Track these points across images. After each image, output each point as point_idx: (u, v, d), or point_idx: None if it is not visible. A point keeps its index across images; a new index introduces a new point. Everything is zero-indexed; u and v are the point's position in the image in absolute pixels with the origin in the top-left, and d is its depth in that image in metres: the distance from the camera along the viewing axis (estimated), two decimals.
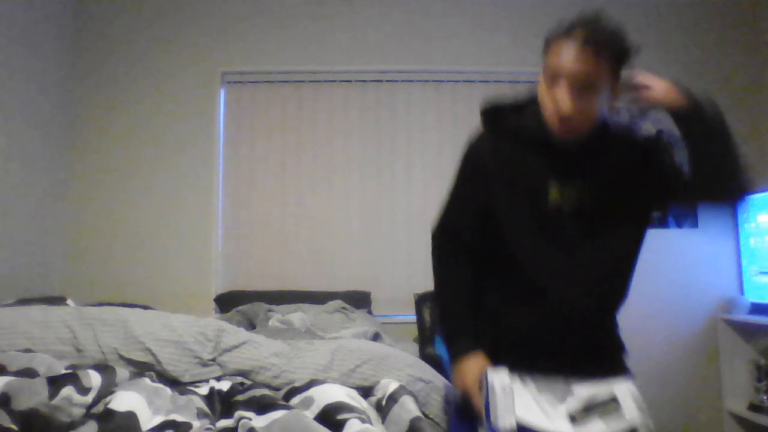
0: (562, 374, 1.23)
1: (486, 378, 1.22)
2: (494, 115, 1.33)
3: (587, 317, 1.25)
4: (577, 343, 1.24)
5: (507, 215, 1.26)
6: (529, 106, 1.27)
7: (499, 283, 1.31)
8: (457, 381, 1.29)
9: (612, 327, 1.35)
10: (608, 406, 1.20)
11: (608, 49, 1.13)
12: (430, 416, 1.44)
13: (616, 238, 1.24)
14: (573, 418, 1.20)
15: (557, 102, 1.13)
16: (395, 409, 1.31)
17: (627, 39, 1.17)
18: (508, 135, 1.28)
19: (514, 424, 1.15)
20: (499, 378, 1.21)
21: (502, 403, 1.18)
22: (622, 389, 1.23)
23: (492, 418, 1.17)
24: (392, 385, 1.41)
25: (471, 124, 1.34)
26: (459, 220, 1.36)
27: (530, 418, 1.19)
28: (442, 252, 1.39)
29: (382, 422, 1.30)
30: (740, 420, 3.22)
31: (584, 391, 1.22)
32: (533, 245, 1.24)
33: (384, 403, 1.35)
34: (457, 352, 1.31)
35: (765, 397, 3.05)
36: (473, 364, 1.27)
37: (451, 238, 1.37)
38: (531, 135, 1.25)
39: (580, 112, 1.14)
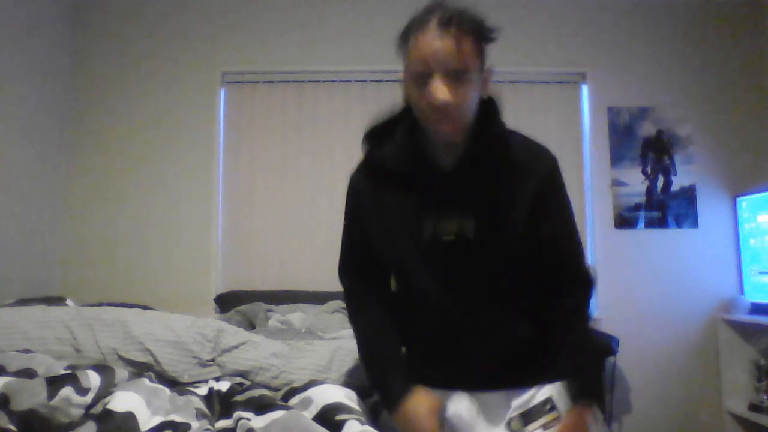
0: (495, 389, 1.21)
1: (446, 412, 1.18)
2: (371, 141, 1.24)
3: (487, 341, 1.19)
4: (492, 362, 1.20)
5: (388, 251, 1.21)
6: (402, 120, 1.18)
7: (409, 310, 1.26)
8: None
9: (528, 338, 1.22)
10: (545, 410, 1.17)
11: (469, 26, 1.04)
12: None
13: (496, 263, 1.16)
14: (510, 427, 1.18)
15: (433, 95, 1.02)
16: None
17: (483, 16, 1.07)
18: (378, 167, 1.19)
19: None
20: (462, 405, 1.19)
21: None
22: (555, 390, 1.20)
23: None
24: None
25: None
26: (355, 257, 1.28)
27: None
28: (350, 300, 1.31)
29: (377, 423, 1.30)
30: (740, 420, 3.21)
31: (518, 400, 1.20)
32: (419, 278, 1.18)
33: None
34: (393, 397, 1.16)
35: (765, 397, 3.05)
36: (419, 404, 1.13)
37: (355, 279, 1.29)
38: (402, 163, 1.16)
39: (458, 101, 1.04)
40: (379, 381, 1.23)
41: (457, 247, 1.14)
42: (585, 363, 1.20)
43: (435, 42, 1.02)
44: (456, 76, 1.03)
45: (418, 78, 1.05)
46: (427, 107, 1.06)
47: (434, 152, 1.16)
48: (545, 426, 1.16)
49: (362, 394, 1.41)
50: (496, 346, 1.20)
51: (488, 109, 1.15)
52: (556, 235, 1.18)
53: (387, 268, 1.26)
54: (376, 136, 1.22)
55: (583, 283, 1.22)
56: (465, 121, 1.10)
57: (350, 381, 1.48)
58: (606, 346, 1.34)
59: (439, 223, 1.14)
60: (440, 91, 1.02)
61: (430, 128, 1.10)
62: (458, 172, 1.14)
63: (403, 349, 1.29)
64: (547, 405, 1.18)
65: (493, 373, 1.21)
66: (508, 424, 1.18)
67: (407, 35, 1.09)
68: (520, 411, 1.19)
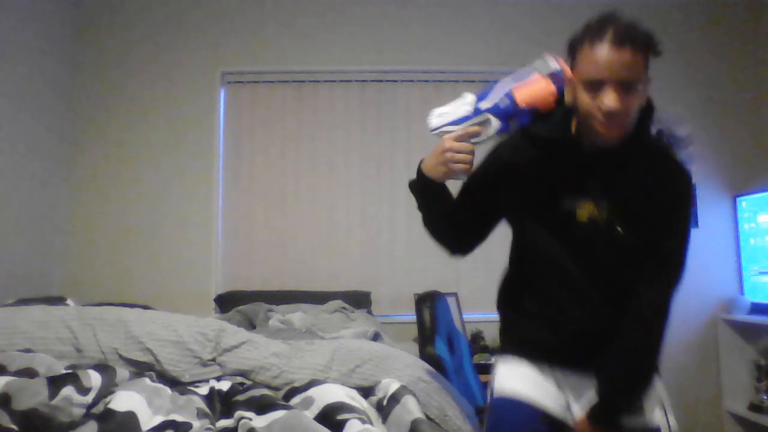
0: (588, 373, 1.24)
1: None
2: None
3: (605, 331, 1.23)
4: (599, 350, 1.23)
5: (525, 216, 1.29)
6: (556, 113, 1.25)
7: (527, 288, 1.32)
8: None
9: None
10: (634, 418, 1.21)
11: (642, 43, 1.11)
12: (431, 417, 1.44)
13: (620, 252, 1.22)
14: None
15: (605, 103, 1.09)
16: (397, 409, 1.31)
17: (652, 31, 1.15)
18: (537, 142, 1.26)
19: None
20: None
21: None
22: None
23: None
24: (394, 385, 1.40)
25: None
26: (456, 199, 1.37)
27: (527, 393, 1.22)
28: None
29: (383, 422, 1.30)
30: (740, 420, 3.21)
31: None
32: (554, 254, 1.25)
33: (385, 403, 1.35)
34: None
35: (765, 397, 3.05)
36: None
37: None
38: (560, 143, 1.23)
39: (626, 110, 1.11)
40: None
41: (588, 229, 1.21)
42: (620, 378, 1.21)
43: (612, 54, 1.09)
44: (626, 88, 1.10)
45: (589, 84, 1.12)
46: (596, 112, 1.12)
47: (582, 140, 1.22)
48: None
49: (363, 394, 1.41)
50: (600, 329, 1.23)
51: (644, 112, 1.20)
52: (664, 250, 1.22)
53: (518, 240, 1.34)
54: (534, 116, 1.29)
55: (663, 278, 1.23)
56: (628, 128, 1.16)
57: (351, 380, 1.47)
58: (653, 369, 1.34)
59: (575, 203, 1.21)
60: (612, 99, 1.09)
61: (593, 130, 1.16)
62: (602, 160, 1.21)
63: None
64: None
65: (587, 355, 1.24)
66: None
67: (581, 41, 1.15)
68: None
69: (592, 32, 1.13)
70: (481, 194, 1.33)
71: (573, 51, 1.17)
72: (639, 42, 1.10)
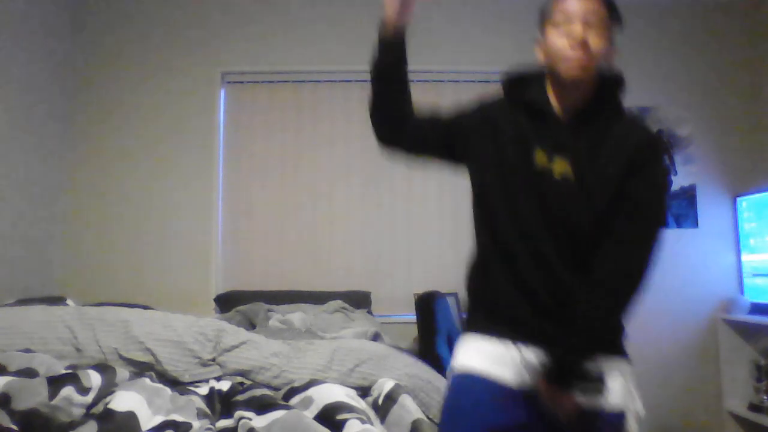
0: (538, 344, 1.19)
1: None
2: (514, 84, 1.35)
3: (567, 289, 1.19)
4: (550, 315, 1.20)
5: (495, 172, 1.26)
6: (535, 79, 1.30)
7: (482, 249, 1.30)
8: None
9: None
10: (592, 383, 1.17)
11: (608, 4, 1.21)
12: (431, 417, 1.44)
13: (591, 211, 1.19)
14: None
15: (571, 34, 1.17)
16: (395, 409, 1.31)
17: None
18: (519, 104, 1.29)
19: None
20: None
21: None
22: (613, 369, 1.20)
23: None
24: (388, 384, 1.40)
25: None
26: (424, 119, 1.38)
27: (485, 368, 1.19)
28: None
29: (382, 422, 1.30)
30: (740, 420, 3.21)
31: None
32: (512, 205, 1.23)
33: (381, 402, 1.35)
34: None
35: (765, 397, 3.05)
36: None
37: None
38: (536, 106, 1.26)
39: (593, 42, 1.18)
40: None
41: (561, 187, 1.20)
42: (578, 339, 1.17)
43: (579, 2, 1.19)
44: (595, 28, 1.18)
45: (559, 27, 1.20)
46: (565, 46, 1.18)
47: (556, 103, 1.26)
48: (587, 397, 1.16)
49: (363, 394, 1.41)
50: (566, 299, 1.19)
51: (612, 81, 1.26)
52: (637, 200, 1.19)
53: (483, 192, 1.30)
54: (513, 81, 1.34)
55: (637, 242, 1.19)
56: (593, 62, 1.19)
57: (350, 380, 1.47)
58: (608, 331, 1.27)
59: (550, 161, 1.22)
60: (579, 28, 1.17)
61: (562, 66, 1.19)
62: (575, 121, 1.24)
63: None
64: (598, 381, 1.17)
65: (553, 327, 1.19)
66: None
67: (549, 3, 1.24)
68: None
69: None
70: (454, 126, 1.34)
71: (543, 17, 1.25)
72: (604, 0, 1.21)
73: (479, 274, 1.31)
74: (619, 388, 1.20)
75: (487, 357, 1.21)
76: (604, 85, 1.25)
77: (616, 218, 1.18)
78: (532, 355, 1.20)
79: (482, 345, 1.24)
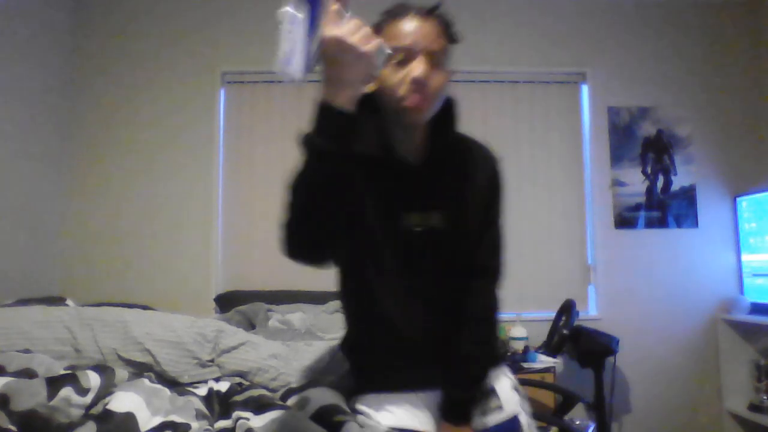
0: (432, 388, 1.21)
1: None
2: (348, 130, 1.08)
3: (435, 338, 1.20)
4: (435, 359, 1.20)
5: (360, 232, 1.19)
6: (367, 128, 1.15)
7: (355, 305, 1.29)
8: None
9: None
10: (487, 399, 1.21)
11: (443, 20, 1.12)
12: None
13: (458, 256, 1.20)
14: None
15: (413, 70, 1.06)
16: None
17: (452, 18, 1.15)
18: (358, 159, 1.12)
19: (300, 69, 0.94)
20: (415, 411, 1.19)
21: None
22: (498, 377, 1.24)
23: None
24: None
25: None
26: None
27: (405, 422, 1.17)
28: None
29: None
30: (740, 420, 3.22)
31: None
32: (380, 268, 1.19)
33: None
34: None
35: (765, 397, 3.05)
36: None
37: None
38: (379, 159, 1.17)
39: (434, 83, 1.08)
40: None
41: (425, 238, 1.18)
42: (466, 380, 1.20)
43: (418, 24, 1.09)
44: (434, 61, 1.08)
45: (395, 57, 1.08)
46: (403, 83, 1.07)
47: (399, 146, 1.18)
48: (488, 416, 1.20)
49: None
50: (446, 345, 1.21)
51: (447, 108, 1.19)
52: (487, 229, 1.23)
53: (350, 252, 1.25)
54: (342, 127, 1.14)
55: (490, 272, 1.24)
56: (434, 104, 1.12)
57: (342, 383, 1.48)
58: (498, 357, 1.33)
59: (409, 214, 1.18)
60: (420, 66, 1.06)
61: (399, 107, 1.09)
62: (426, 166, 1.18)
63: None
64: (491, 394, 1.22)
65: (435, 370, 1.21)
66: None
67: (382, 23, 1.12)
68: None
69: (393, 13, 1.12)
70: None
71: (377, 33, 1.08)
72: (441, 18, 1.12)
73: (357, 343, 1.30)
74: (508, 391, 1.23)
75: (398, 412, 1.20)
76: (441, 112, 1.16)
77: (474, 259, 1.21)
78: (430, 400, 1.22)
79: (387, 401, 1.22)
